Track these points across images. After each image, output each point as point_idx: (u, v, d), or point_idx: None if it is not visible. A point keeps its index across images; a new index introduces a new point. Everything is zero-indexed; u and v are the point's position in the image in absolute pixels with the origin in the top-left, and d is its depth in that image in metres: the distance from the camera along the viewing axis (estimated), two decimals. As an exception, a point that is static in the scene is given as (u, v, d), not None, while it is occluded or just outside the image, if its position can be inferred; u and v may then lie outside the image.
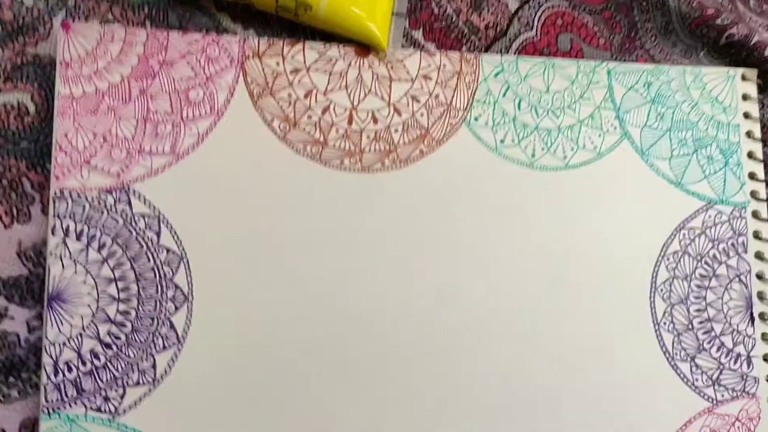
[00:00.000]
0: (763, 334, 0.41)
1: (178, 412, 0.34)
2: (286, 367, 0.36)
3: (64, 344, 0.34)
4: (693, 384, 0.40)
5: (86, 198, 0.35)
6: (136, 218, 0.36)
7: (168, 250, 0.36)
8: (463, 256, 0.38)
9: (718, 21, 0.44)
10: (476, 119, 0.40)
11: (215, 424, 0.35)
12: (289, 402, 0.35)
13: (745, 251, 0.41)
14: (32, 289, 0.35)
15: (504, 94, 0.41)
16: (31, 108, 0.37)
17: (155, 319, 0.35)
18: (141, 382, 0.35)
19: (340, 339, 0.36)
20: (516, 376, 0.38)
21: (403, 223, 0.38)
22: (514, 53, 0.42)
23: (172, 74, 0.37)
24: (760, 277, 0.41)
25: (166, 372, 0.35)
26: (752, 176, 0.42)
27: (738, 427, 0.40)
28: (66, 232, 0.35)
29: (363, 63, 0.39)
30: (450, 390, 0.37)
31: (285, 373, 0.36)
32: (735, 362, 0.40)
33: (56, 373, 0.34)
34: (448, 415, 0.37)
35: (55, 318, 0.34)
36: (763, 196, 0.42)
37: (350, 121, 0.39)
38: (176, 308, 0.35)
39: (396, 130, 0.39)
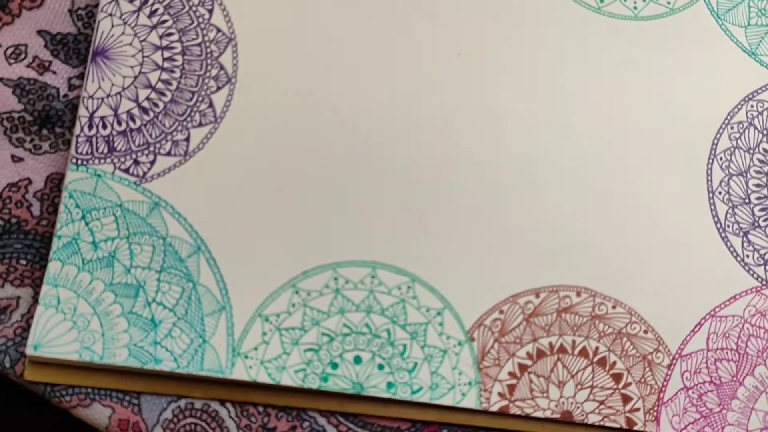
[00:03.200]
0: (826, 221, 0.38)
1: (204, 186, 0.34)
2: (318, 166, 0.35)
3: (102, 100, 0.34)
4: (743, 260, 0.37)
5: (144, -36, 0.35)
6: (190, -6, 0.35)
7: (218, 30, 0.35)
8: (523, 91, 0.37)
9: None
10: (548, -44, 0.39)
11: (239, 206, 0.34)
12: (315, 189, 0.34)
13: (817, 132, 0.39)
14: (78, 48, 0.35)
15: (580, -65, 0.39)
16: None
17: (195, 94, 0.34)
18: (173, 153, 0.34)
19: (384, 148, 0.35)
20: (566, 222, 0.36)
21: (465, 49, 0.37)
22: None
23: None
24: (829, 161, 0.39)
25: (199, 147, 0.34)
26: (833, 57, 0.40)
27: (787, 312, 0.37)
28: (120, -7, 0.35)
29: None
30: (501, 221, 0.35)
31: (316, 171, 0.35)
32: (791, 245, 0.38)
33: (90, 127, 0.33)
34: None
35: (96, 73, 0.34)
36: (843, 78, 0.39)
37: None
38: (218, 88, 0.35)
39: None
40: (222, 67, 0.35)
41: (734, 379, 0.36)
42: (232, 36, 0.35)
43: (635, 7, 0.39)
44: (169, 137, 0.34)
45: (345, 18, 0.36)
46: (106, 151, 0.33)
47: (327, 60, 0.36)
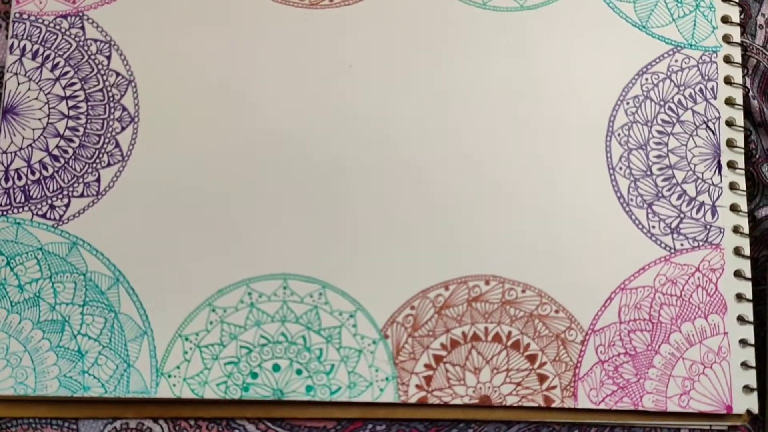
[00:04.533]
0: (731, 184, 0.38)
1: (118, 222, 0.36)
2: (226, 187, 0.37)
3: (16, 154, 0.36)
4: (649, 231, 0.38)
5: (43, 22, 0.37)
6: (89, 43, 0.37)
7: (117, 74, 0.37)
8: (418, 93, 0.38)
9: None
10: (428, -41, 0.40)
11: (152, 235, 0.36)
12: (222, 211, 0.36)
13: (714, 97, 0.39)
14: (-8, 107, 0.38)
15: (458, -66, 0.40)
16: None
17: (101, 137, 0.37)
18: (85, 194, 0.36)
19: (284, 162, 0.37)
20: (469, 214, 0.37)
21: (356, 60, 0.38)
22: None
23: None
24: (730, 124, 0.39)
25: (109, 186, 0.36)
26: (725, 20, 0.40)
27: (698, 278, 0.37)
28: (23, 52, 0.37)
29: None
30: (403, 217, 0.37)
31: (224, 192, 0.37)
32: (698, 211, 0.38)
33: (6, 180, 0.36)
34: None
35: (8, 129, 0.36)
36: (736, 40, 0.39)
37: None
38: (122, 128, 0.37)
39: (345, -32, 0.39)
40: (124, 109, 0.37)
41: (649, 348, 0.37)
42: (131, 78, 0.37)
43: (520, -2, 0.39)
44: (80, 180, 0.36)
45: (234, 42, 0.38)
46: (23, 200, 0.36)
47: (221, 86, 0.38)
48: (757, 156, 0.39)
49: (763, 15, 0.40)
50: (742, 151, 0.38)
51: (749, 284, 0.37)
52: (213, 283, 0.36)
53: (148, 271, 0.36)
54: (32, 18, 0.37)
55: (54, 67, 0.37)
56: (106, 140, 0.37)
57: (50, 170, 0.36)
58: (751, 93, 0.39)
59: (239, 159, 0.37)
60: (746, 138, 0.39)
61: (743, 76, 0.40)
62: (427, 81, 0.38)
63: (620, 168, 0.38)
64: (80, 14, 0.38)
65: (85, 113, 0.37)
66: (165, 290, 0.36)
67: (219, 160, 0.37)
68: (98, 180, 0.36)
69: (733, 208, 0.38)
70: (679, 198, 0.38)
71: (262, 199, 0.37)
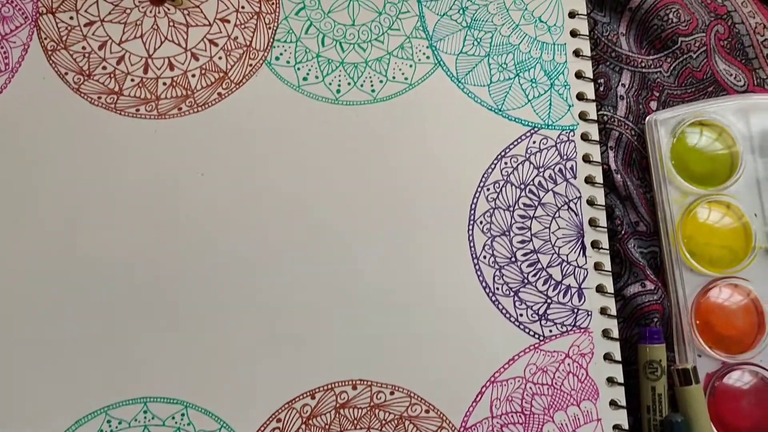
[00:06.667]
0: (596, 264, 0.38)
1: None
2: (73, 307, 0.36)
3: None
4: (517, 320, 0.37)
5: None
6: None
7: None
8: (268, 196, 0.38)
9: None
10: (277, 58, 0.39)
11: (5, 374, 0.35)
12: (75, 339, 0.36)
13: (574, 177, 0.38)
14: None
15: (306, 31, 0.40)
16: None
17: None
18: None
19: (129, 280, 0.36)
20: (334, 316, 0.36)
21: (202, 166, 0.38)
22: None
23: (-34, 35, 0.38)
24: (591, 203, 0.38)
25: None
26: (581, 97, 0.39)
27: (568, 364, 0.37)
28: None
29: (158, 11, 0.39)
30: (261, 327, 0.36)
31: (73, 313, 0.36)
32: (564, 295, 0.37)
33: None
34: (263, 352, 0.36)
35: None
36: (593, 116, 0.39)
37: (146, 70, 0.39)
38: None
39: (193, 75, 0.39)
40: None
41: (523, 441, 0.36)
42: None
43: (372, 90, 0.39)
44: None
45: (79, 175, 0.37)
46: None
47: (72, 218, 0.37)
48: (623, 232, 0.38)
49: (623, 85, 0.40)
50: (605, 230, 0.38)
51: (620, 367, 0.37)
52: (70, 415, 0.35)
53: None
54: None
55: None
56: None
57: None
58: (614, 167, 0.39)
59: (84, 287, 0.36)
60: (611, 215, 0.39)
61: (603, 151, 0.39)
62: (282, 182, 0.38)
63: (484, 257, 0.38)
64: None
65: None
66: (18, 424, 0.35)
67: (59, 288, 0.36)
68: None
69: (599, 289, 0.37)
70: (545, 283, 0.38)
71: (114, 324, 0.36)
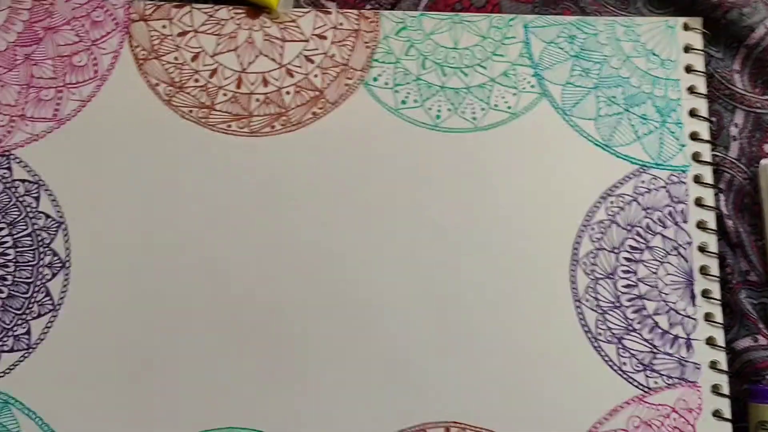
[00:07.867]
0: (706, 315, 0.36)
1: (51, 376, 0.33)
2: (166, 335, 0.34)
3: (-63, 309, 0.34)
4: (620, 368, 0.35)
5: (-33, 163, 0.36)
6: (16, 184, 0.35)
7: (47, 216, 0.35)
8: (361, 223, 0.36)
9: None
10: (375, 79, 0.37)
11: (90, 390, 0.34)
12: (163, 369, 0.34)
13: (685, 221, 0.36)
14: None
15: (407, 53, 0.38)
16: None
17: (31, 285, 0.35)
18: (15, 348, 0.34)
19: (222, 304, 0.35)
20: (426, 356, 0.35)
21: (293, 187, 0.36)
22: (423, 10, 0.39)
23: (56, 40, 0.37)
24: (702, 249, 0.36)
25: (40, 338, 0.34)
26: (694, 136, 0.37)
27: (674, 420, 0.35)
28: (-56, 197, 0.35)
29: (254, 24, 0.38)
30: (364, 359, 0.34)
31: (164, 341, 0.34)
32: (671, 345, 0.35)
33: (-72, 338, 0.34)
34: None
35: (-71, 282, 0.34)
36: (706, 158, 0.37)
37: (239, 85, 0.37)
38: (53, 275, 0.35)
39: (288, 93, 0.37)
40: (55, 254, 0.35)
41: (624, 500, 0.34)
42: (62, 220, 0.35)
43: (474, 118, 0.37)
44: (10, 333, 0.34)
45: (177, 193, 0.36)
46: (-53, 360, 0.34)
47: (160, 224, 0.35)
48: (734, 282, 0.36)
49: (736, 125, 0.38)
50: (717, 279, 0.36)
51: (729, 425, 0.34)
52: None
53: (82, 428, 0.33)
54: (-45, 160, 0.36)
55: (-21, 211, 0.35)
56: (37, 289, 0.35)
57: (-26, 325, 0.34)
58: (725, 212, 0.37)
59: (180, 311, 0.35)
60: (722, 262, 0.36)
61: (716, 194, 0.37)
62: (379, 210, 0.36)
63: (587, 299, 0.36)
64: (6, 154, 0.36)
65: (14, 260, 0.35)
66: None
67: (154, 309, 0.34)
68: (29, 332, 0.34)
69: (710, 341, 0.35)
70: (650, 331, 0.35)
71: (203, 348, 0.34)
